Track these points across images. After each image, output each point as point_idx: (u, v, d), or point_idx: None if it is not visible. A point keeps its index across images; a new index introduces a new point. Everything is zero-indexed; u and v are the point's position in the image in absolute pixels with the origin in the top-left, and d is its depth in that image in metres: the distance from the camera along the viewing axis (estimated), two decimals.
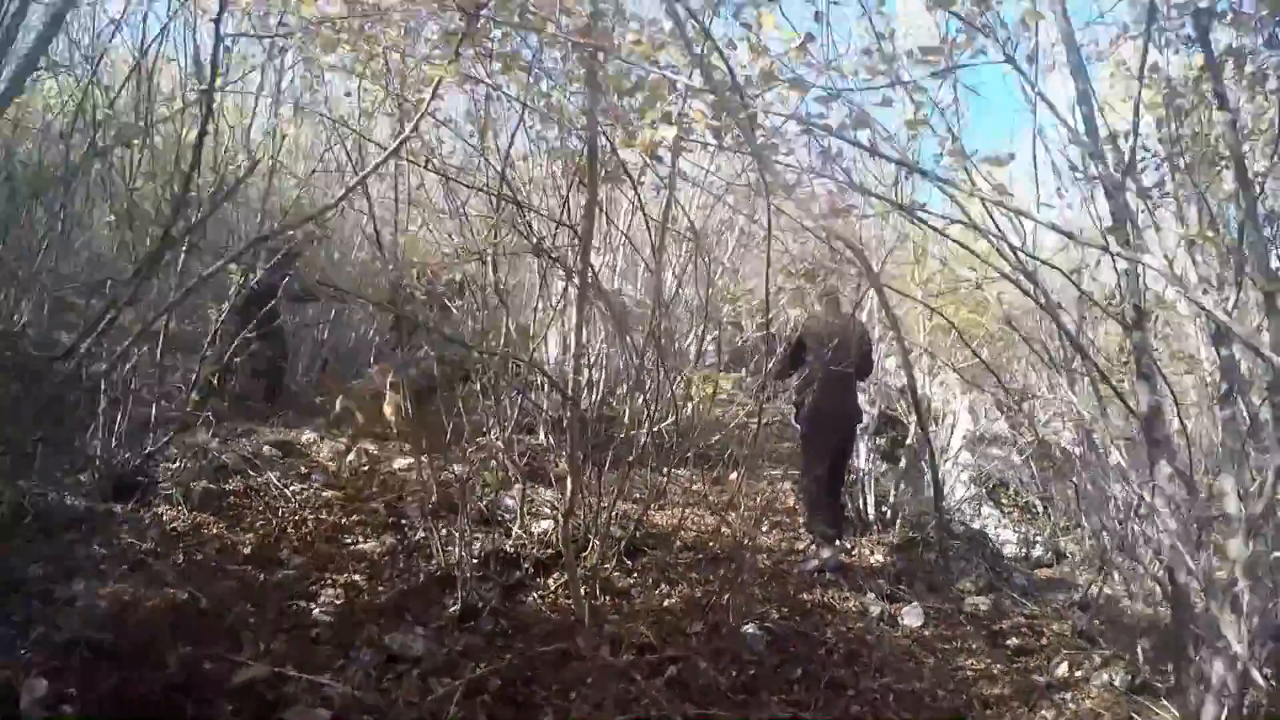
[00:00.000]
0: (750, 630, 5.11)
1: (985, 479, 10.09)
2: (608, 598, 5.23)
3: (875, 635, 5.55)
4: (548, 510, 6.08)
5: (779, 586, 5.94)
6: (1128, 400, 4.47)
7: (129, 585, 4.46)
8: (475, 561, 5.10)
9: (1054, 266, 4.34)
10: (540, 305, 6.21)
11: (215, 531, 5.31)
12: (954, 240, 5.50)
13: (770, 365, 6.86)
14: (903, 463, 8.61)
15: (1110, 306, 4.45)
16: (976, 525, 8.98)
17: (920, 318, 8.13)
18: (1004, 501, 10.22)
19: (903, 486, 8.27)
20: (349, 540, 5.41)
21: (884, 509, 7.93)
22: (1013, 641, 6.02)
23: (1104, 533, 6.83)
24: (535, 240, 4.83)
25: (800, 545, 6.90)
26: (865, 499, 7.91)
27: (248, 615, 4.40)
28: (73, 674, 3.65)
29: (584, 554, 5.31)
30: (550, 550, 5.50)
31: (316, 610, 4.55)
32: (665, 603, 5.33)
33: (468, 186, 5.47)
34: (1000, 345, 8.54)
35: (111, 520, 5.23)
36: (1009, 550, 8.87)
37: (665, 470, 5.71)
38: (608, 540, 5.39)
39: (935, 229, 4.39)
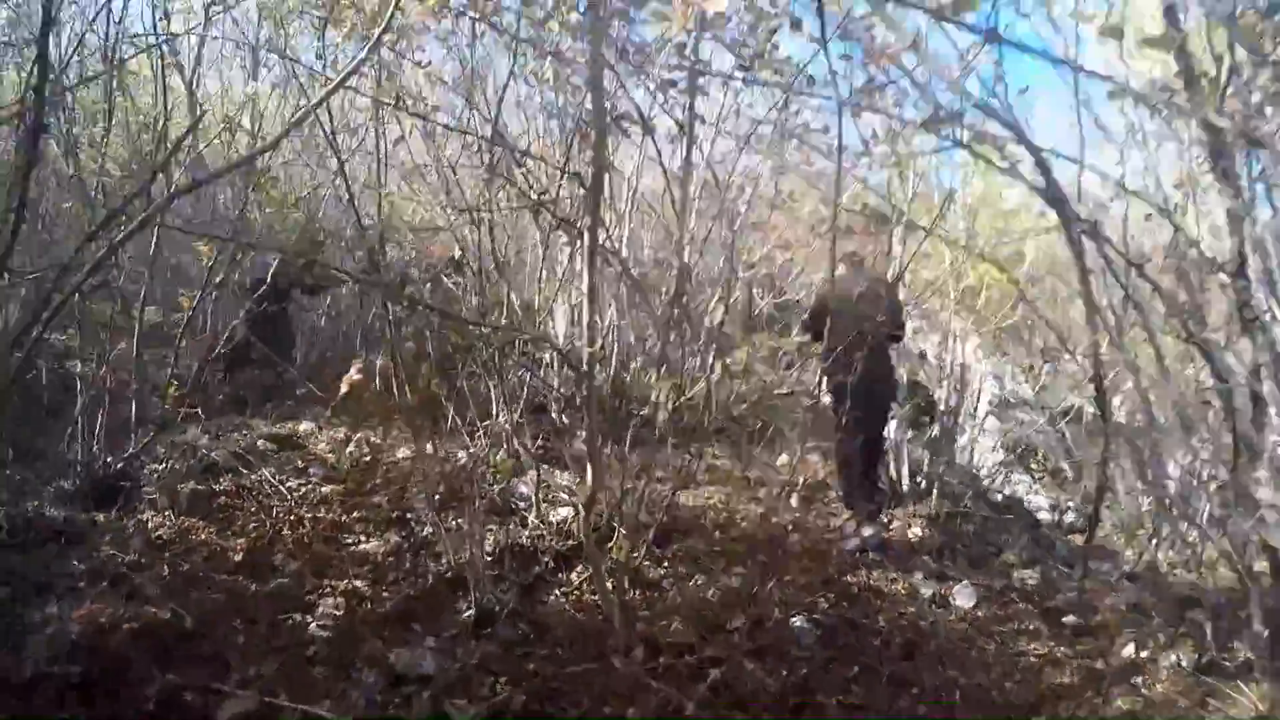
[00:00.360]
0: (798, 623, 4.55)
1: (1015, 444, 9.55)
2: (637, 592, 4.66)
3: (930, 621, 4.98)
4: (565, 496, 5.51)
5: (820, 569, 5.36)
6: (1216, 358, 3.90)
7: (107, 604, 3.93)
8: (489, 559, 4.53)
9: (1157, 209, 3.74)
10: (544, 276, 5.56)
11: (204, 537, 4.77)
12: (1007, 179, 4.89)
13: (795, 334, 6.28)
14: (935, 430, 8.02)
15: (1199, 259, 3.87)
16: (1007, 492, 8.44)
17: (949, 278, 7.51)
18: (1034, 467, 9.67)
19: (932, 456, 7.69)
20: (349, 540, 4.86)
21: (918, 479, 7.35)
22: (1069, 619, 5.42)
23: (1165, 501, 6.26)
24: (536, 195, 4.16)
25: (836, 522, 6.32)
26: (900, 470, 7.32)
27: (236, 634, 3.85)
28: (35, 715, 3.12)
29: (609, 545, 4.74)
30: (571, 541, 4.95)
31: (313, 625, 3.98)
32: (701, 595, 4.76)
33: (449, 129, 4.82)
34: (1036, 304, 7.92)
35: (93, 530, 4.71)
36: (1043, 517, 8.32)
37: (696, 449, 5.05)
38: (635, 529, 4.79)
39: (1000, 168, 3.76)
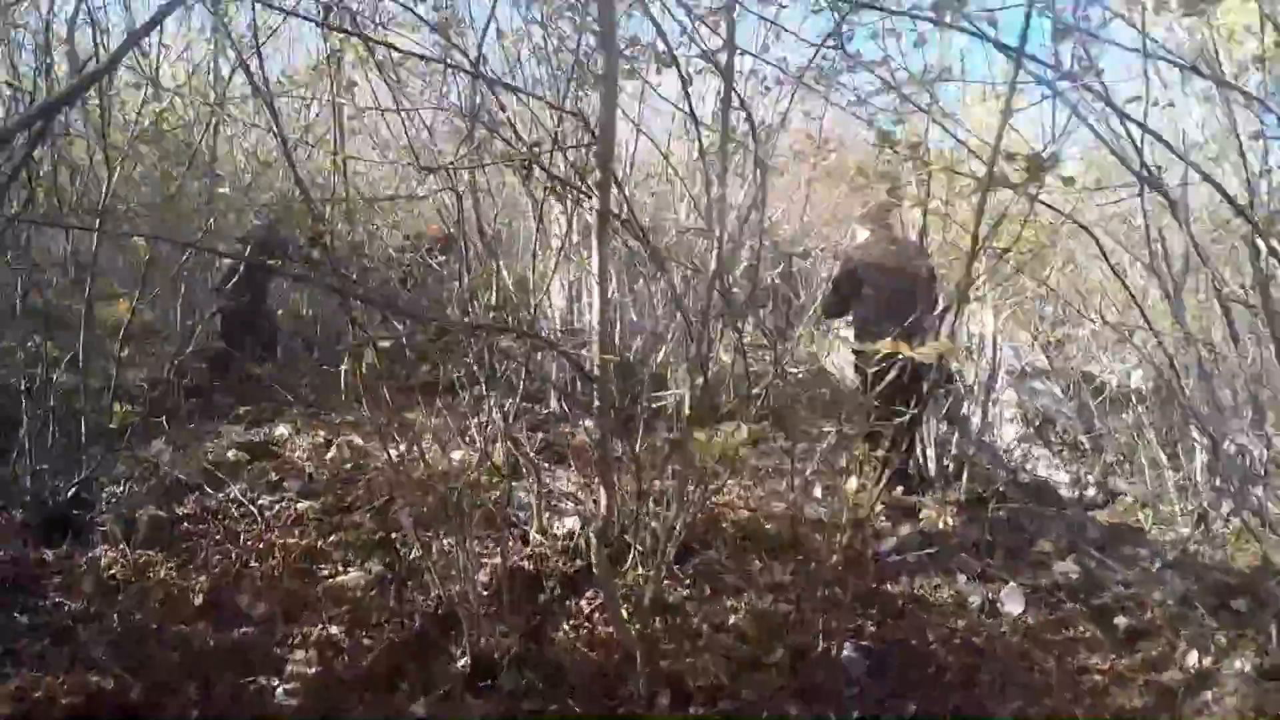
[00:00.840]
0: (846, 653, 3.87)
1: (1034, 417, 8.91)
2: (658, 619, 3.96)
3: (984, 635, 4.31)
4: (570, 505, 4.82)
5: (860, 578, 4.67)
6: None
7: (42, 671, 3.27)
8: (484, 591, 3.83)
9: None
10: (538, 248, 4.75)
11: (163, 574, 4.08)
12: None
13: (817, 304, 5.58)
14: (953, 406, 7.33)
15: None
16: (1029, 468, 7.81)
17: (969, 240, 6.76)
18: (1052, 440, 9.02)
19: (960, 434, 7.01)
20: (326, 571, 4.17)
21: (945, 461, 6.67)
22: (1121, 621, 4.75)
23: (1217, 480, 5.67)
24: (527, 147, 3.36)
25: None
26: (925, 452, 6.63)
27: (190, 706, 3.15)
28: None
29: (623, 565, 4.04)
30: (579, 561, 4.25)
31: (280, 689, 3.29)
32: (731, 619, 4.08)
33: (405, 54, 4.01)
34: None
35: (42, 571, 4.03)
36: (1063, 493, 7.71)
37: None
38: (652, 544, 4.08)
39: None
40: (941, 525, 5.72)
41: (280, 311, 8.63)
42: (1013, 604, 4.78)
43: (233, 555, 4.20)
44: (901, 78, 3.57)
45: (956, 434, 6.90)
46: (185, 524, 4.53)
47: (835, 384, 8.16)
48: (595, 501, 4.02)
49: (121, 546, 4.23)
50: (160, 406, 5.76)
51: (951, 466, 6.64)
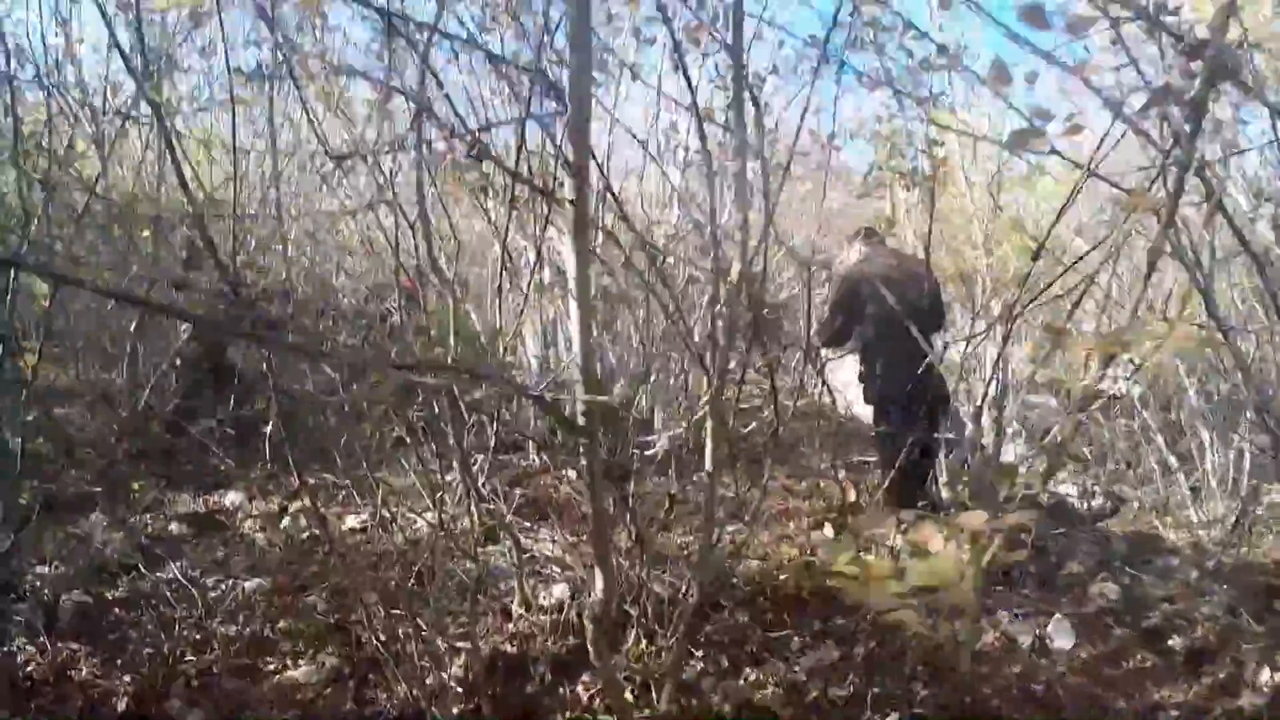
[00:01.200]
0: None
1: (1035, 431, 8.41)
2: (670, 705, 3.28)
3: (1044, 681, 3.67)
4: (556, 570, 4.15)
5: (897, 630, 4.03)
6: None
7: None
8: (458, 687, 3.14)
9: None
10: (505, 281, 4.01)
11: (86, 674, 3.38)
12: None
13: (814, 332, 4.96)
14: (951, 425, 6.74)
15: None
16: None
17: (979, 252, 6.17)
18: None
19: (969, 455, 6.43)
20: (273, 665, 3.47)
21: (957, 485, 6.05)
22: (1175, 642, 4.20)
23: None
24: (469, 134, 2.64)
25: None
26: (937, 479, 6.01)
27: None
28: None
29: (624, 644, 3.37)
30: (572, 639, 3.56)
31: None
32: (758, 695, 3.40)
33: None
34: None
35: None
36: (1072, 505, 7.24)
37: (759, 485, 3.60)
38: (656, 612, 3.42)
39: None
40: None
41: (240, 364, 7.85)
42: (1063, 639, 4.21)
43: (165, 649, 3.51)
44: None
45: (966, 455, 6.32)
46: (116, 610, 3.86)
47: (836, 415, 7.54)
48: (588, 565, 3.37)
49: (41, 640, 3.55)
50: (105, 476, 5.07)
51: (962, 489, 6.03)
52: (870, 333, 5.01)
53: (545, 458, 5.59)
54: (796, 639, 3.79)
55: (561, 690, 3.36)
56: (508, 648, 3.50)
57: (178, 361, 6.45)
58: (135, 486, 5.22)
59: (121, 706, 3.18)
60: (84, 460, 5.41)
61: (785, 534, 4.91)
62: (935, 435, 5.15)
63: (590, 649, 2.69)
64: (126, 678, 3.33)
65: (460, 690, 3.07)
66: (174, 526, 4.71)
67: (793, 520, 5.09)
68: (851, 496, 5.82)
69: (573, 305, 2.04)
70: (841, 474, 6.37)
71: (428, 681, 2.98)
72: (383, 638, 3.18)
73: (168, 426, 6.37)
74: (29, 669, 3.38)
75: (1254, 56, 3.16)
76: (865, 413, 5.59)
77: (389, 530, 3.27)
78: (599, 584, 2.37)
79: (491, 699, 3.11)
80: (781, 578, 4.33)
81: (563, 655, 3.50)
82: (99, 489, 4.96)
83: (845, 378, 6.55)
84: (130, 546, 4.34)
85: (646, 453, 4.15)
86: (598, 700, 3.27)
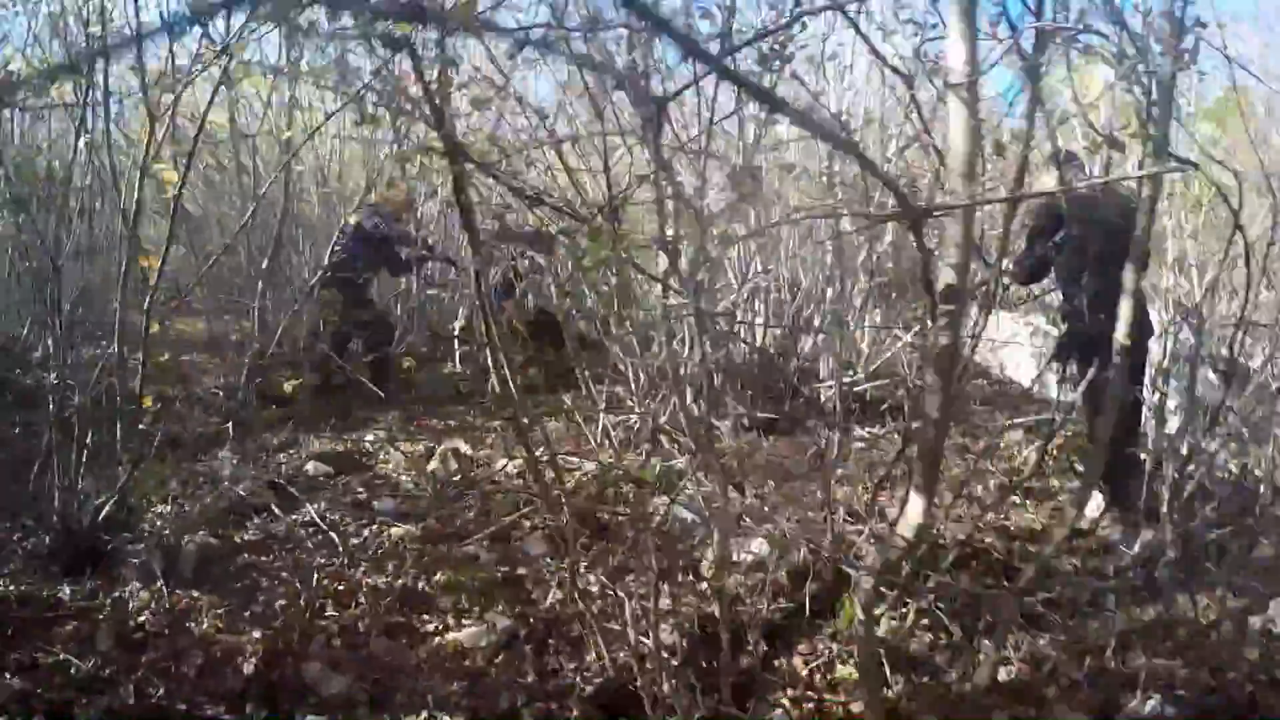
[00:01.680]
0: (1152, 705, 2.42)
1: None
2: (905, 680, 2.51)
3: None
4: (749, 522, 3.39)
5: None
6: None
7: None
8: (671, 657, 2.41)
9: None
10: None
11: (206, 626, 2.78)
12: None
13: (1009, 264, 4.09)
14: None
15: None
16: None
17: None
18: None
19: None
20: (431, 624, 2.80)
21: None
22: None
23: None
24: None
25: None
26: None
27: None
28: None
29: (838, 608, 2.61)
30: (783, 601, 2.82)
31: None
32: (1002, 674, 2.62)
33: None
34: None
35: (56, 614, 2.82)
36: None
37: None
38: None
39: None
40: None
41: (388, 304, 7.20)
42: None
43: (302, 601, 2.88)
44: None
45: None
46: (244, 555, 3.28)
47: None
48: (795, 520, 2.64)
49: (158, 584, 2.96)
50: (235, 416, 4.52)
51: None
52: (1075, 264, 4.12)
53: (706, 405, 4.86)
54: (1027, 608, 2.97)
55: (779, 661, 2.61)
56: (708, 608, 2.75)
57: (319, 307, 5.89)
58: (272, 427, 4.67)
59: (249, 667, 2.56)
60: (211, 402, 4.90)
61: (973, 495, 4.07)
62: (1141, 382, 4.26)
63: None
64: (255, 633, 2.73)
65: (667, 659, 2.34)
66: (309, 466, 4.12)
67: (979, 483, 4.26)
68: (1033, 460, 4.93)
69: None
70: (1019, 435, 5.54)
71: (642, 649, 2.26)
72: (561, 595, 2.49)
73: (311, 370, 5.83)
74: (141, 619, 2.84)
75: None
76: (1019, 374, 4.75)
77: (555, 472, 2.55)
78: (913, 507, 1.63)
79: (699, 671, 2.38)
80: (988, 540, 3.51)
81: (781, 622, 2.76)
82: (229, 426, 4.41)
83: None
84: (261, 485, 3.77)
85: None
86: (818, 676, 2.53)
